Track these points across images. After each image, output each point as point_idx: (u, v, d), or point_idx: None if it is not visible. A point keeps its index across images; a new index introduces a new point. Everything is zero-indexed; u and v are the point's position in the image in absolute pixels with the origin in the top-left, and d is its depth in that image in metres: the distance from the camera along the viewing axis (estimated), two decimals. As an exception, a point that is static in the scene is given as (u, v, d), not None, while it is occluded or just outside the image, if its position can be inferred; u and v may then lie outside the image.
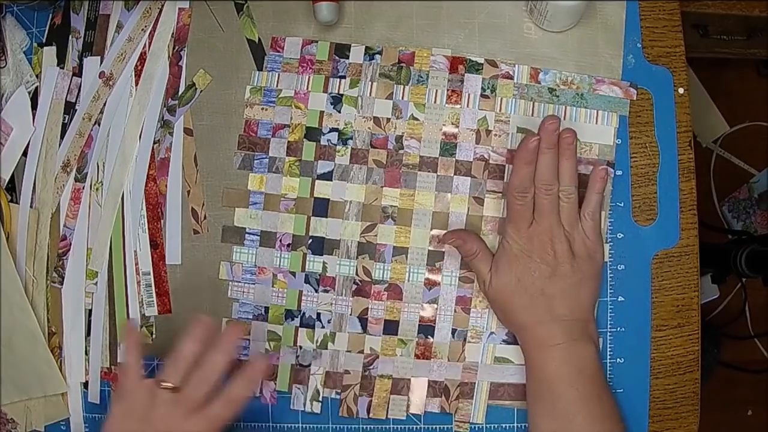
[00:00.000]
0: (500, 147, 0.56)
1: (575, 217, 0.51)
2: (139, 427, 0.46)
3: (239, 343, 0.54)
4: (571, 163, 0.50)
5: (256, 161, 0.56)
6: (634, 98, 0.55)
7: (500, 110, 0.56)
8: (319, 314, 0.56)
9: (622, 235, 0.55)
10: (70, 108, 0.58)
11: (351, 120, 0.56)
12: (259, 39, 0.57)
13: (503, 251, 0.51)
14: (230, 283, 0.56)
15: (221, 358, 0.47)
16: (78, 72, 0.58)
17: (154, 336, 0.57)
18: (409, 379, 0.55)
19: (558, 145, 0.50)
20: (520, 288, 0.50)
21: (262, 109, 0.57)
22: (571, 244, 0.50)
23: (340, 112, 0.56)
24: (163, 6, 0.58)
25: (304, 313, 0.56)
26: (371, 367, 0.55)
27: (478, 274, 0.53)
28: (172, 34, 0.58)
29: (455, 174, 0.56)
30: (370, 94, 0.57)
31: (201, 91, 0.57)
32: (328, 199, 0.56)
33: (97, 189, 0.57)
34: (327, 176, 0.56)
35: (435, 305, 0.55)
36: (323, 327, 0.55)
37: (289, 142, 0.56)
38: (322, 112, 0.57)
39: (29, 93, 0.58)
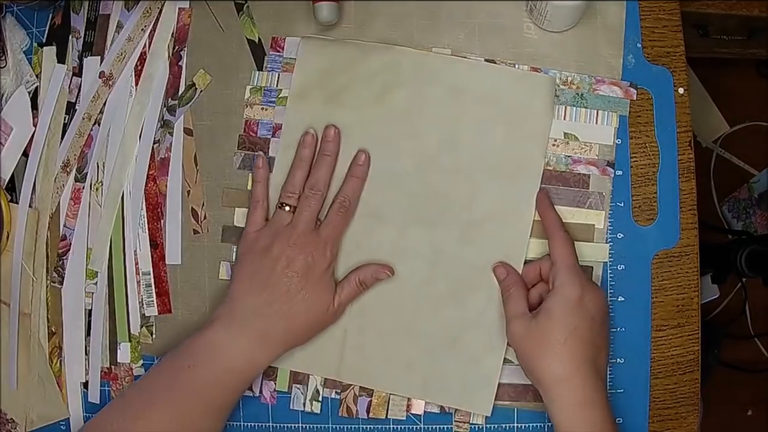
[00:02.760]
0: (500, 147, 0.56)
1: None
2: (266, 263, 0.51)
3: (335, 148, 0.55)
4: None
5: (256, 161, 0.56)
6: (634, 98, 0.55)
7: (500, 110, 0.56)
8: (319, 314, 0.55)
9: (622, 235, 0.55)
10: (70, 108, 0.58)
11: (351, 120, 0.56)
12: (259, 39, 0.57)
13: None
14: (230, 283, 0.56)
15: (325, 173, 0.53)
16: (78, 72, 0.58)
17: (154, 336, 0.56)
18: (409, 379, 0.55)
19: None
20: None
21: (262, 109, 0.57)
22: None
23: (340, 112, 0.56)
24: (163, 6, 0.58)
25: (304, 313, 0.56)
26: (371, 367, 0.55)
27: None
28: (172, 34, 0.58)
29: (455, 174, 0.56)
30: (370, 94, 0.56)
31: (201, 91, 0.57)
32: (328, 199, 0.56)
33: (97, 189, 0.57)
34: (327, 176, 0.56)
35: (435, 305, 0.55)
36: (323, 327, 0.55)
37: (289, 142, 0.56)
38: (322, 112, 0.57)
39: (29, 93, 0.58)
